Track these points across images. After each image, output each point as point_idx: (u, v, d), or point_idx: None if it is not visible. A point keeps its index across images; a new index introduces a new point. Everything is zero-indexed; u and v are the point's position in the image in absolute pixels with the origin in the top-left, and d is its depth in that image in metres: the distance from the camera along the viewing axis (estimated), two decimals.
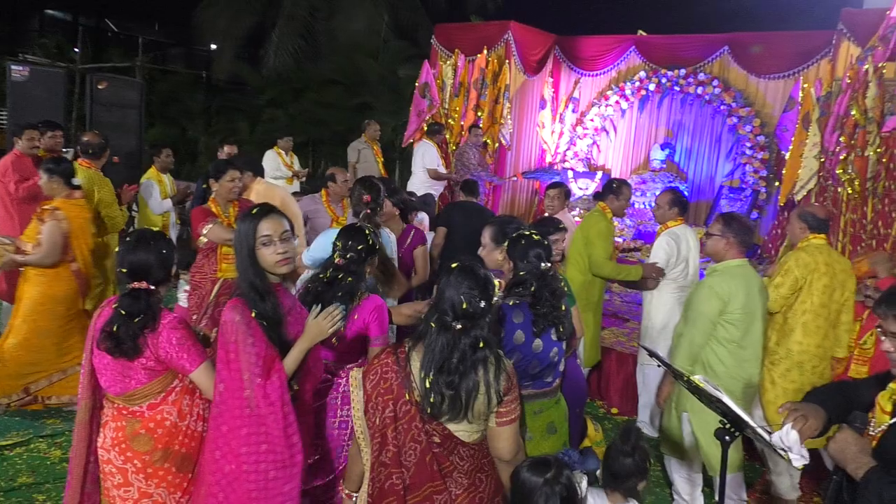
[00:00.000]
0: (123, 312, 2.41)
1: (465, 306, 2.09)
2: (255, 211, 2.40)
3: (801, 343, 3.86)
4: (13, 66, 8.42)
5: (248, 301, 2.32)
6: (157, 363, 2.43)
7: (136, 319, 2.39)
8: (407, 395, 2.11)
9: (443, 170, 8.48)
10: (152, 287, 2.47)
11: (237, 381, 2.27)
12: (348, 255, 2.83)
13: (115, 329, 2.39)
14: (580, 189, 9.71)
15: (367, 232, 2.88)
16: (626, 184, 5.38)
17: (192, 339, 2.46)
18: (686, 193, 8.46)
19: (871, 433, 1.96)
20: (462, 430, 2.15)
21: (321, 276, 2.81)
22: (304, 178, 8.27)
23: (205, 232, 4.17)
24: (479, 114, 9.41)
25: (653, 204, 8.68)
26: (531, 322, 2.65)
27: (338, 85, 13.02)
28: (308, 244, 4.54)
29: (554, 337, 2.72)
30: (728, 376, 3.46)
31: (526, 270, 2.71)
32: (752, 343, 3.52)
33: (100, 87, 8.55)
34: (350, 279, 2.79)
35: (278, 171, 8.57)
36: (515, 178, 9.32)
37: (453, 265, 2.16)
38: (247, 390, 2.26)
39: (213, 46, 15.03)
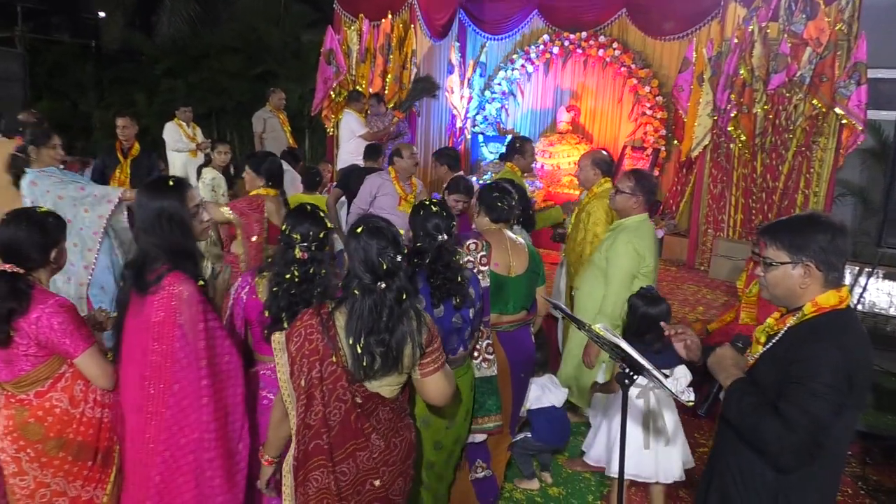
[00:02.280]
0: None
1: (385, 266, 2.11)
2: (172, 182, 2.38)
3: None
4: None
5: (187, 272, 2.29)
6: (38, 349, 2.35)
7: None
8: (333, 357, 2.11)
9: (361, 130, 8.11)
10: (21, 271, 2.38)
11: (195, 353, 2.25)
12: (312, 246, 2.55)
13: None
14: (490, 153, 9.84)
15: (320, 214, 2.61)
16: (529, 140, 5.48)
17: (76, 323, 2.37)
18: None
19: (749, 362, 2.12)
20: (385, 386, 2.18)
21: (287, 276, 2.52)
22: (207, 150, 7.87)
23: None
24: (387, 79, 9.30)
25: (561, 166, 9.27)
26: (428, 292, 2.66)
27: (238, 53, 12.56)
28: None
29: (454, 304, 2.72)
30: None
31: (423, 242, 2.71)
32: None
33: None
34: (323, 271, 2.56)
35: (180, 142, 8.29)
36: (396, 119, 8.58)
37: (358, 229, 2.16)
38: (203, 360, 2.26)
39: (102, 14, 14.22)
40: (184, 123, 8.44)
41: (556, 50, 9.74)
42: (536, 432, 3.77)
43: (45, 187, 3.99)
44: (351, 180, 5.84)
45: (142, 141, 6.33)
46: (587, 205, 4.41)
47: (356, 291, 2.11)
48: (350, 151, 7.74)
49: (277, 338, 2.19)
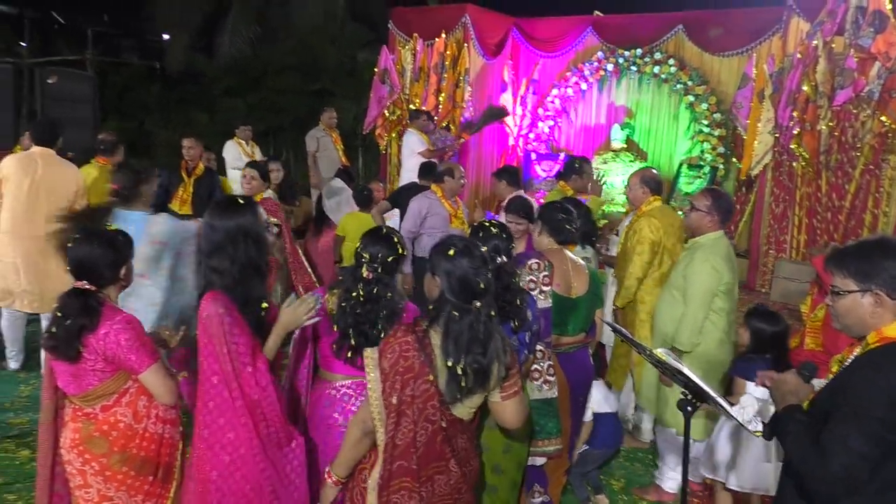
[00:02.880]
0: (59, 314, 2.38)
1: (482, 286, 2.12)
2: (242, 200, 2.44)
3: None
4: None
5: (227, 292, 2.32)
6: (105, 364, 2.39)
7: (69, 322, 2.34)
8: (430, 376, 2.10)
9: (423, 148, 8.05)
10: (92, 288, 2.43)
11: (228, 373, 2.27)
12: (380, 268, 2.55)
13: (53, 330, 2.37)
14: (543, 171, 9.78)
15: (395, 239, 2.60)
16: (588, 162, 5.42)
17: (142, 339, 2.41)
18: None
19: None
20: (466, 408, 2.18)
21: (353, 293, 2.53)
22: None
23: None
24: (441, 98, 9.38)
25: (614, 184, 9.10)
26: None
27: (295, 71, 12.77)
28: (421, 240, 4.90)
29: (512, 327, 2.71)
30: (722, 342, 3.63)
31: None
32: (735, 309, 3.71)
33: (50, 81, 8.35)
34: (389, 294, 2.56)
35: (239, 160, 8.34)
36: (462, 140, 9.18)
37: (449, 251, 2.15)
38: (235, 380, 2.28)
39: (166, 36, 14.74)
40: (243, 142, 8.59)
41: (610, 67, 9.64)
42: (599, 438, 3.74)
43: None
44: (402, 197, 5.82)
45: (155, 163, 6.30)
46: (635, 223, 4.38)
47: (455, 313, 2.10)
48: (410, 170, 7.67)
49: (370, 353, 2.17)
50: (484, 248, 2.59)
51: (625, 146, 9.53)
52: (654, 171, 4.76)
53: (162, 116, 13.90)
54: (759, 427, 2.29)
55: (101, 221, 2.80)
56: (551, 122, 10.28)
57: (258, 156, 8.71)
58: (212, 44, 14.31)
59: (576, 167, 5.24)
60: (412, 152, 7.90)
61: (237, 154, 8.48)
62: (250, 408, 2.29)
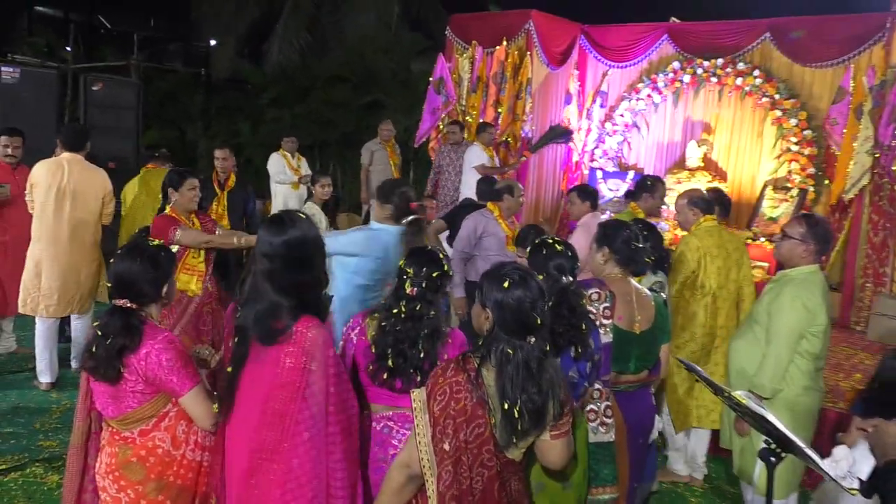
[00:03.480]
0: (100, 333, 2.43)
1: (538, 322, 2.12)
2: (301, 214, 2.53)
3: (704, 325, 4.33)
4: (3, 68, 8.44)
5: (318, 313, 2.39)
6: (146, 386, 2.43)
7: (109, 341, 2.39)
8: (488, 418, 2.09)
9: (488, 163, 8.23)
10: (133, 305, 2.48)
11: (324, 401, 2.33)
12: (423, 284, 2.61)
13: (93, 350, 2.42)
14: (610, 190, 9.60)
15: (440, 255, 2.68)
16: (661, 181, 5.39)
17: (184, 360, 2.45)
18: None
19: None
20: (518, 449, 2.18)
21: (395, 310, 2.59)
22: (307, 182, 8.26)
23: (178, 237, 4.25)
24: (499, 110, 9.33)
25: None
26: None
27: (346, 82, 12.94)
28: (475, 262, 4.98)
29: (572, 355, 2.70)
30: (808, 388, 3.54)
31: (545, 283, 2.61)
32: (826, 353, 3.61)
33: (95, 88, 8.64)
34: (433, 312, 2.62)
35: (283, 174, 8.62)
36: (524, 158, 9.23)
37: (504, 283, 2.14)
38: (332, 407, 2.35)
39: (213, 42, 15.14)
40: (288, 154, 8.78)
41: (687, 78, 9.50)
42: (648, 470, 3.61)
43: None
44: (459, 216, 5.82)
45: (245, 172, 6.76)
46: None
47: (509, 350, 2.09)
48: (470, 186, 7.65)
49: (417, 395, 2.17)
50: (550, 265, 2.69)
51: (701, 165, 9.36)
52: (702, 189, 4.76)
53: (204, 125, 14.23)
54: (856, 484, 2.20)
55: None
56: (620, 138, 10.15)
57: (304, 169, 8.95)
58: (259, 51, 14.55)
59: (648, 185, 5.20)
60: (472, 167, 7.98)
61: (282, 167, 8.71)
62: (345, 441, 2.38)
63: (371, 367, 2.57)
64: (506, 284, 2.13)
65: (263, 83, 14.02)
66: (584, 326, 2.67)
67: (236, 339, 2.39)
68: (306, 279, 2.39)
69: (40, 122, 7.48)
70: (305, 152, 9.95)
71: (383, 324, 2.58)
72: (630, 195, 5.46)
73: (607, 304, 3.04)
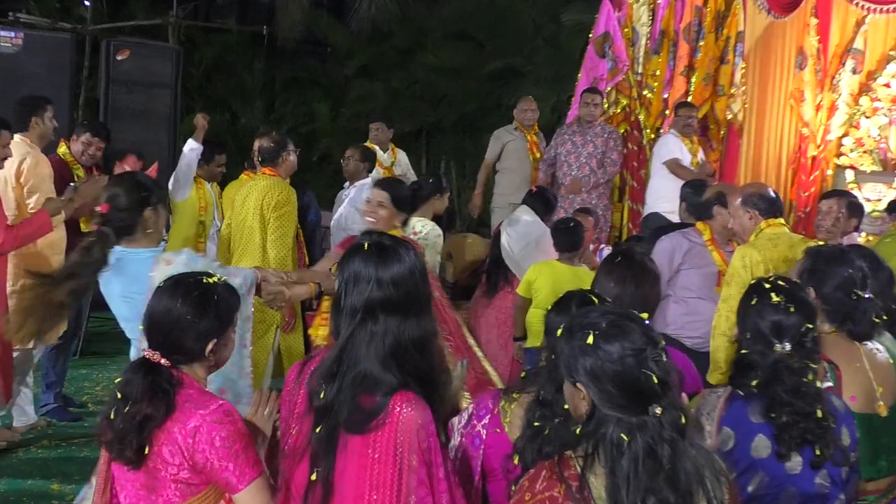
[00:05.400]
0: (119, 395, 2.22)
1: (656, 381, 1.76)
2: (389, 240, 2.25)
3: None
4: (1, 32, 7.42)
5: (427, 390, 2.11)
6: (192, 474, 2.18)
7: (128, 408, 2.16)
8: None
9: (687, 163, 7.00)
10: (166, 362, 2.24)
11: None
12: None
13: (111, 417, 2.21)
14: (867, 200, 7.71)
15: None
16: None
17: (245, 441, 2.20)
18: None
19: None
20: None
21: (549, 396, 2.21)
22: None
23: None
24: (693, 80, 7.87)
25: None
26: (771, 434, 2.31)
27: (467, 41, 11.27)
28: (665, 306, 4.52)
29: (812, 458, 2.37)
30: None
31: (752, 349, 2.39)
32: None
33: (119, 58, 7.76)
34: None
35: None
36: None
37: (586, 338, 1.82)
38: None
39: None
40: (376, 147, 7.32)
41: None
42: None
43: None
44: (644, 238, 5.72)
45: (325, 169, 6.24)
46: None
47: (622, 435, 1.76)
48: (659, 194, 6.78)
49: None
50: (761, 324, 2.44)
51: None
52: (761, 184, 4.69)
53: (265, 106, 13.01)
54: None
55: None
56: (884, 120, 8.10)
57: (402, 168, 7.62)
58: (342, 3, 13.03)
59: None
60: (661, 164, 7.01)
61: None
62: None
63: (514, 486, 2.10)
64: (590, 340, 1.83)
65: (348, 46, 12.52)
66: (820, 413, 2.31)
67: (318, 428, 2.09)
68: (413, 331, 2.11)
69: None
70: (408, 144, 9.16)
71: (533, 416, 2.24)
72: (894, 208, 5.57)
73: (831, 384, 2.72)
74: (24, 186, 4.75)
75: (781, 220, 4.13)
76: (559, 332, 2.01)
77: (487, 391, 2.48)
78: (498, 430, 2.35)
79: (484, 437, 2.37)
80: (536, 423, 2.20)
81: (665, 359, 1.82)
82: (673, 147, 6.96)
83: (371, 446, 2.03)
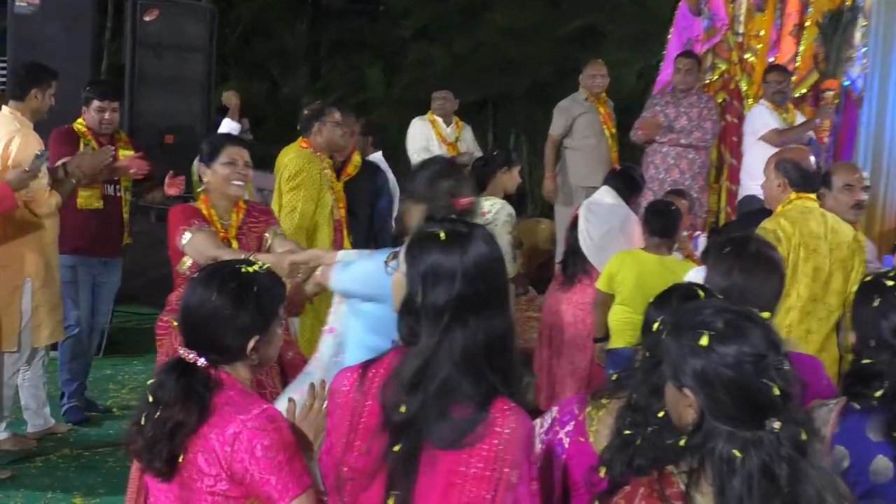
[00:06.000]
0: (150, 398, 2.13)
1: (776, 392, 1.66)
2: (468, 224, 2.20)
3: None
4: None
5: (512, 391, 2.02)
6: (231, 485, 2.07)
7: (160, 414, 2.06)
8: None
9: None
10: (203, 363, 2.12)
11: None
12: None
13: (141, 423, 2.12)
14: None
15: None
16: None
17: (290, 450, 2.08)
18: None
19: None
20: None
21: (641, 402, 2.12)
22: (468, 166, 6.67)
23: (185, 240, 3.60)
24: (803, 40, 7.24)
25: None
26: (893, 454, 2.17)
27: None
28: None
29: None
30: None
31: (878, 356, 2.29)
32: None
33: (147, 18, 7.44)
34: None
35: (428, 152, 6.82)
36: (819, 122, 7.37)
37: (700, 338, 1.71)
38: None
39: None
40: (440, 120, 7.12)
41: None
42: None
43: None
44: (739, 226, 5.42)
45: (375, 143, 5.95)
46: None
47: (735, 452, 1.67)
48: (754, 172, 5.86)
49: None
50: (884, 326, 2.39)
51: None
52: (803, 149, 4.59)
53: (311, 72, 12.44)
54: None
55: None
56: None
57: (467, 145, 7.25)
58: None
59: None
60: (756, 139, 6.52)
61: (427, 138, 7.08)
62: None
63: (598, 501, 2.09)
64: (704, 341, 1.71)
65: (405, 4, 11.95)
66: None
67: (397, 445, 1.96)
68: (501, 329, 2.00)
69: (69, 71, 6.14)
70: (470, 115, 8.60)
71: (627, 431, 2.11)
72: None
73: None
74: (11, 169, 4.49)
75: (813, 196, 4.00)
76: (657, 326, 1.95)
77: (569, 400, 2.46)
78: (582, 440, 2.30)
79: (566, 445, 2.33)
80: (627, 432, 2.12)
81: (787, 367, 1.73)
82: (768, 118, 6.44)
83: (465, 463, 1.96)
